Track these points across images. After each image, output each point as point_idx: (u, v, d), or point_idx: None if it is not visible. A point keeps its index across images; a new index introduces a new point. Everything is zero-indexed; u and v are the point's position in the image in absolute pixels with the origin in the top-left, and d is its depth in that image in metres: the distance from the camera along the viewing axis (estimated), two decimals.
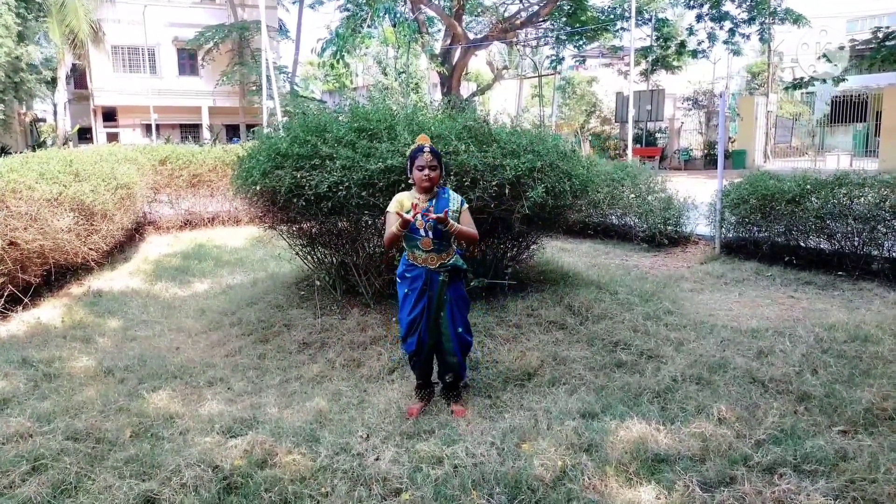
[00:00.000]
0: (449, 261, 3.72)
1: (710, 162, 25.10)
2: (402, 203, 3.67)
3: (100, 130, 32.45)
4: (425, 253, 3.68)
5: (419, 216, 3.56)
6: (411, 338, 3.80)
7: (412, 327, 3.77)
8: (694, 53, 27.95)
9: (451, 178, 4.61)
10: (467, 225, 3.69)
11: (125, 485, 2.92)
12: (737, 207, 7.72)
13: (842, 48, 20.30)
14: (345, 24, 24.38)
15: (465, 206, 3.77)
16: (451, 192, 3.77)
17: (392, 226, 3.60)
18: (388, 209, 3.74)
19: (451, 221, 3.53)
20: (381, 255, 5.24)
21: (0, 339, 5.46)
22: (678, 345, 4.62)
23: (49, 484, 2.95)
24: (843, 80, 21.05)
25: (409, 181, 3.73)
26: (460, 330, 3.82)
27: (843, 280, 6.58)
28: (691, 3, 26.40)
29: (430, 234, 3.62)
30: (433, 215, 3.46)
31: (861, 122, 23.28)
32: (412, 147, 3.75)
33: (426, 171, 3.59)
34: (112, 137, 30.00)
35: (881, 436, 3.22)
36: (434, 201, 3.65)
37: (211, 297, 6.91)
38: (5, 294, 5.95)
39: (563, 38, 27.50)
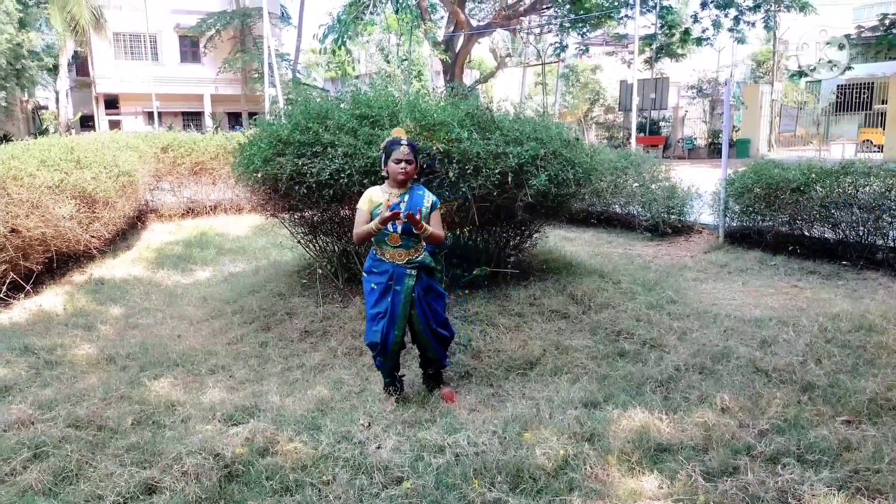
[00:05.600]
0: (417, 257, 3.67)
1: (714, 151, 24.96)
2: (372, 199, 3.64)
3: (102, 118, 32.37)
4: (393, 248, 3.65)
5: (388, 209, 3.50)
6: (371, 332, 3.71)
7: (374, 322, 3.70)
8: (698, 41, 27.68)
9: (454, 165, 4.58)
10: (436, 225, 3.64)
11: (126, 472, 2.92)
12: (741, 196, 7.67)
13: (844, 46, 20.11)
14: (347, 10, 24.27)
15: (438, 206, 3.72)
16: (425, 190, 3.74)
17: (367, 224, 3.56)
18: (358, 205, 3.69)
19: (424, 224, 3.48)
20: None
21: (2, 327, 5.47)
22: (681, 334, 4.60)
23: (50, 471, 2.96)
24: (849, 67, 20.88)
25: (383, 174, 3.68)
26: (435, 327, 3.76)
27: (848, 269, 6.54)
28: None
29: (399, 229, 3.58)
30: (403, 215, 3.41)
31: (867, 110, 23.10)
32: (387, 139, 3.69)
33: (402, 165, 3.57)
34: (114, 125, 29.91)
35: (885, 426, 3.20)
36: (406, 196, 3.62)
37: (213, 285, 6.91)
38: (7, 281, 5.95)
39: (567, 25, 27.29)
